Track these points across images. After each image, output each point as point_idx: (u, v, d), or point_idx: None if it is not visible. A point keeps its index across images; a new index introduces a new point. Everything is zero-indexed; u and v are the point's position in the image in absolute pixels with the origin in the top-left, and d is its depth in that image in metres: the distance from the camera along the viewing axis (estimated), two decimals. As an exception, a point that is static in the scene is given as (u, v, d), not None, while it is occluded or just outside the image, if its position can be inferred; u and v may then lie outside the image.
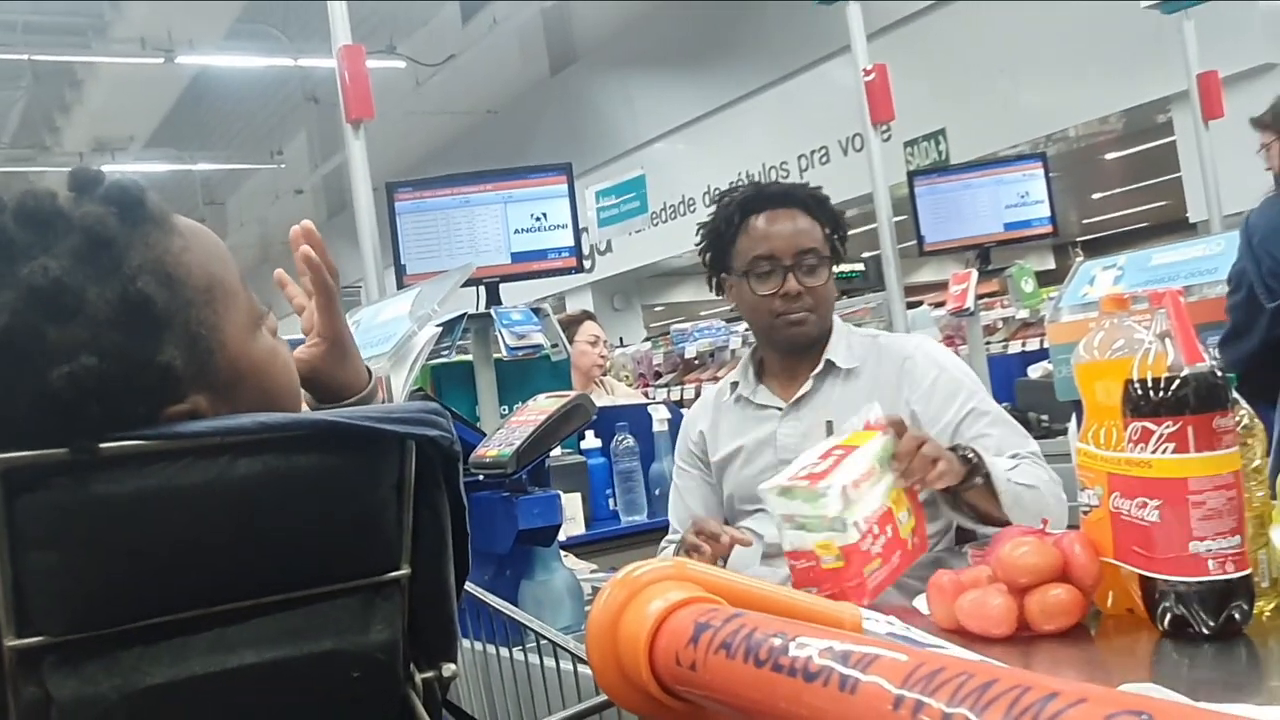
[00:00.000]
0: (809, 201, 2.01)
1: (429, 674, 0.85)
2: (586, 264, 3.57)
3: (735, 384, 2.08)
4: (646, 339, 9.60)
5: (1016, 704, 0.36)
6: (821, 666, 0.41)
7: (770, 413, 2.02)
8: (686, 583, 0.44)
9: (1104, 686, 0.37)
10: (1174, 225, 9.82)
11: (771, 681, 0.41)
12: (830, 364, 1.98)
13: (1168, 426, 1.18)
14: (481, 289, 3.19)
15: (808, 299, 1.95)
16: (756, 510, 1.98)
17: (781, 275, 1.94)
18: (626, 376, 6.83)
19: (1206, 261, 2.55)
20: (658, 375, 6.96)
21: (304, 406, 1.00)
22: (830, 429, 1.92)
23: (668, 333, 8.15)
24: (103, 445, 0.74)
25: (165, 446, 0.75)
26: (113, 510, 0.74)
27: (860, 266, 9.94)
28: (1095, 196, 13.17)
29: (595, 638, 0.43)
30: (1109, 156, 10.85)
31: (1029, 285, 4.03)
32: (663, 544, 2.07)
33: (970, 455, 1.68)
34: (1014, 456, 1.82)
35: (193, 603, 0.76)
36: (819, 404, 1.96)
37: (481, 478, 1.61)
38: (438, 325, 2.02)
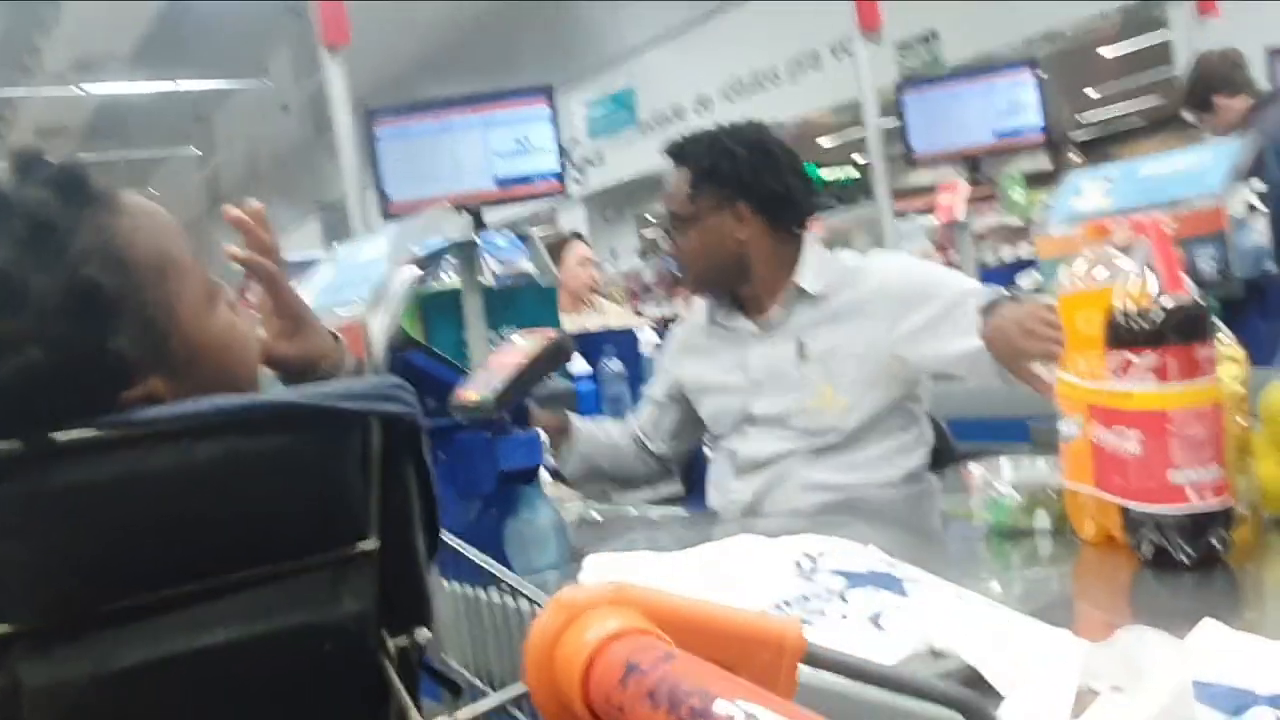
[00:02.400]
0: (674, 152, 2.08)
1: (403, 640, 0.85)
2: (575, 183, 3.53)
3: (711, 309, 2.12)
4: (640, 251, 9.55)
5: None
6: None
7: (742, 336, 2.06)
8: (624, 608, 0.43)
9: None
10: (1171, 122, 9.70)
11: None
12: (799, 290, 1.99)
13: (1148, 357, 1.18)
14: (465, 215, 3.15)
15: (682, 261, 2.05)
16: (734, 431, 2.04)
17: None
18: (617, 295, 6.82)
19: (1196, 173, 2.52)
20: (648, 290, 6.94)
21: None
22: (802, 349, 1.94)
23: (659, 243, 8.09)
24: (58, 436, 0.73)
25: (122, 434, 0.75)
26: (74, 499, 0.73)
27: (855, 172, 9.81)
28: (1092, 95, 13.00)
29: (534, 664, 0.42)
30: (1104, 54, 10.69)
31: (1019, 194, 4.01)
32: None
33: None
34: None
35: (161, 585, 0.76)
36: (791, 329, 1.99)
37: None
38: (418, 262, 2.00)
